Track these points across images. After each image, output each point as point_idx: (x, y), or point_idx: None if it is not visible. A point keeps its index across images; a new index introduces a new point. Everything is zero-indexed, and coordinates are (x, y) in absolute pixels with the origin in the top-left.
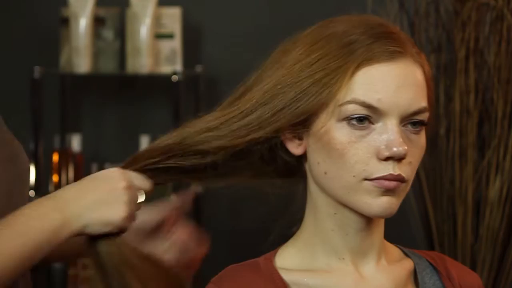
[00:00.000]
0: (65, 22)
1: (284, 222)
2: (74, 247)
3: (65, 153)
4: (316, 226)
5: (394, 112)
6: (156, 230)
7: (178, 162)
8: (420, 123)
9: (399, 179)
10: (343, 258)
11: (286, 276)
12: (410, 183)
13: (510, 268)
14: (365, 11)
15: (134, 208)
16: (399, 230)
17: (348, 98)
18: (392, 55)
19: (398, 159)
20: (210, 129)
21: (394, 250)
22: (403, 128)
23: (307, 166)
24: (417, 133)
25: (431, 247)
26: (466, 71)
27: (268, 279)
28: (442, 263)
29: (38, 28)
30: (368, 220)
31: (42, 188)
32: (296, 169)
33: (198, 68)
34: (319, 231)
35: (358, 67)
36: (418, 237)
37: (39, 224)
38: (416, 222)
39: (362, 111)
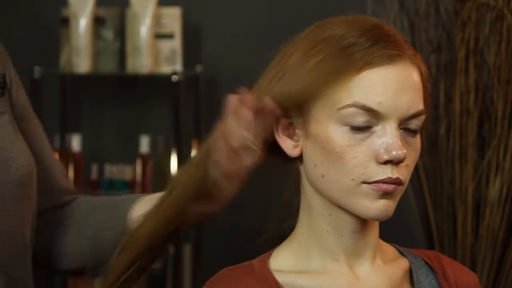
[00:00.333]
0: (65, 22)
1: (278, 222)
2: None
3: (65, 153)
4: (311, 227)
5: (393, 115)
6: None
7: None
8: (416, 130)
9: (397, 182)
10: (338, 259)
11: (280, 278)
12: (406, 185)
13: (510, 268)
14: (365, 11)
15: None
16: (399, 230)
17: (348, 102)
18: (390, 58)
19: (396, 162)
20: None
21: (389, 250)
22: (400, 130)
23: (302, 168)
24: (413, 136)
25: (431, 247)
26: (466, 71)
27: (262, 281)
28: (438, 262)
29: (38, 28)
30: (363, 221)
31: None
32: (289, 166)
33: (198, 68)
34: (313, 232)
35: (358, 70)
36: (418, 237)
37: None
38: (416, 222)
39: (362, 115)
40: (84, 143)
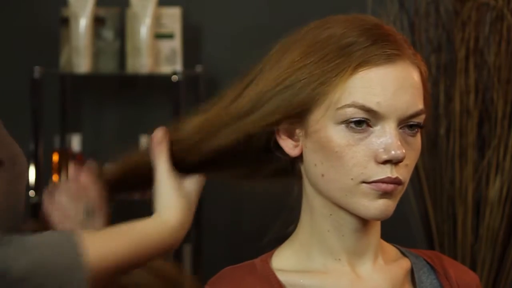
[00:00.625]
0: (65, 22)
1: (281, 223)
2: None
3: (65, 153)
4: (312, 227)
5: (392, 115)
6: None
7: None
8: (417, 125)
9: (396, 182)
10: (339, 259)
11: (282, 277)
12: (406, 185)
13: (510, 268)
14: (365, 11)
15: None
16: (399, 230)
17: (347, 102)
18: (390, 58)
19: (395, 162)
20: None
21: (391, 250)
22: (400, 130)
23: (302, 168)
24: (413, 135)
25: (431, 247)
26: (466, 71)
27: (264, 281)
28: (440, 262)
29: (38, 28)
30: (364, 221)
31: (42, 188)
32: (290, 169)
33: (198, 68)
34: (315, 232)
35: (355, 69)
36: (418, 237)
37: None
38: (416, 222)
39: (361, 115)
40: (84, 143)
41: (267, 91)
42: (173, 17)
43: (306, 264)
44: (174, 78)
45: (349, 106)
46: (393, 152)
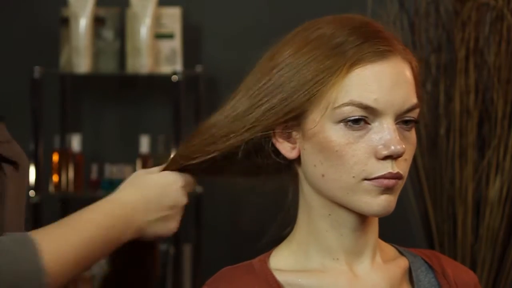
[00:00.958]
0: (65, 22)
1: (279, 223)
2: None
3: (65, 153)
4: (310, 227)
5: (389, 111)
6: None
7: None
8: (412, 120)
9: (397, 176)
10: (338, 258)
11: (280, 277)
12: (405, 179)
13: (510, 268)
14: (365, 11)
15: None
16: (399, 230)
17: (345, 100)
18: (383, 54)
19: (396, 157)
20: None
21: (389, 249)
22: (396, 125)
23: (300, 169)
24: (409, 130)
25: (431, 247)
26: (466, 71)
27: (262, 281)
28: (437, 261)
29: (38, 28)
30: (362, 219)
31: (42, 188)
32: (285, 167)
33: (198, 68)
34: (313, 231)
35: (350, 68)
36: (418, 237)
37: (106, 233)
38: (416, 222)
39: (359, 112)
40: (84, 143)
41: (261, 96)
42: (173, 17)
43: (304, 264)
44: (174, 78)
45: (347, 104)
46: (393, 147)
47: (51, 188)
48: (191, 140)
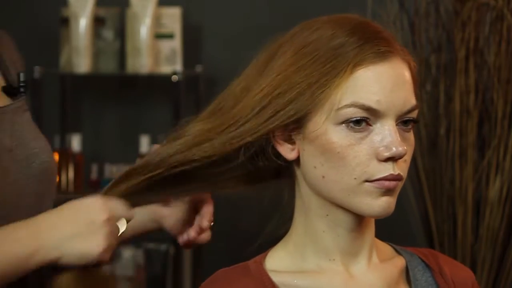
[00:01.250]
0: (65, 22)
1: (276, 224)
2: None
3: (65, 153)
4: (307, 228)
5: (391, 112)
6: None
7: (164, 176)
8: (411, 120)
9: (398, 178)
10: (334, 259)
11: (276, 278)
12: (404, 180)
13: (510, 268)
14: (365, 11)
15: (114, 240)
16: (399, 230)
17: (347, 102)
18: (384, 55)
19: (397, 158)
20: (199, 142)
21: (385, 248)
22: (396, 127)
23: (299, 170)
24: (408, 131)
25: (431, 247)
26: (466, 71)
27: (258, 282)
28: (434, 260)
29: (38, 28)
30: (359, 220)
31: None
32: (283, 170)
33: (198, 68)
34: (310, 232)
35: (353, 69)
36: (418, 237)
37: (10, 248)
38: (416, 222)
39: (361, 114)
40: (84, 143)
41: (261, 99)
42: (173, 17)
43: (300, 265)
44: (174, 78)
45: (349, 106)
46: (394, 149)
47: None
48: (174, 145)
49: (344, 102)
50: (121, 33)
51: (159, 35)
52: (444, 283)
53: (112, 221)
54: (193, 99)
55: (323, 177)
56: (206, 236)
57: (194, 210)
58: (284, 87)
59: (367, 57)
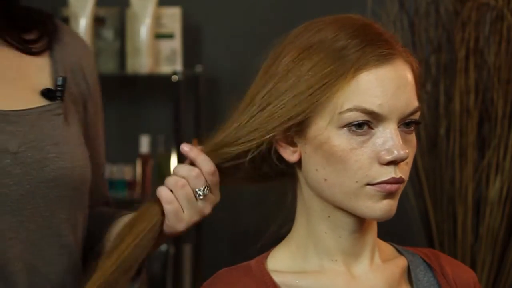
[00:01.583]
0: (65, 22)
1: (277, 224)
2: None
3: None
4: (309, 229)
5: (393, 116)
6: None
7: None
8: (414, 122)
9: (400, 181)
10: (336, 260)
11: (277, 278)
12: (405, 183)
13: (510, 268)
14: (365, 11)
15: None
16: (399, 230)
17: (349, 106)
18: (386, 58)
19: (398, 162)
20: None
21: (387, 248)
22: (398, 129)
23: (301, 173)
24: (410, 133)
25: (431, 247)
26: (466, 71)
27: (260, 282)
28: (436, 260)
29: None
30: (361, 222)
31: None
32: (286, 171)
33: (198, 68)
34: (311, 233)
35: (355, 72)
36: (418, 237)
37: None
38: (416, 222)
39: (362, 117)
40: None
41: (266, 103)
42: (173, 17)
43: (302, 265)
44: (174, 78)
45: (351, 110)
46: (396, 152)
47: None
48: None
49: (346, 106)
50: (121, 33)
51: (159, 35)
52: (446, 283)
53: None
54: (193, 99)
55: (325, 180)
56: None
57: None
58: (286, 91)
59: (369, 60)
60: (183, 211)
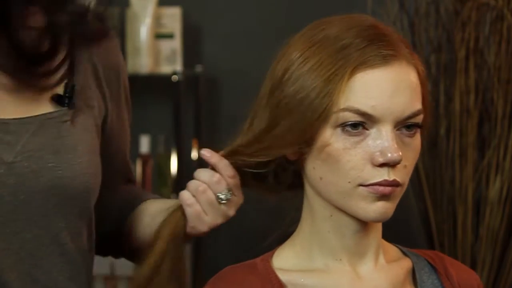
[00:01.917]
0: None
1: (283, 223)
2: None
3: None
4: (313, 228)
5: (388, 118)
6: None
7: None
8: (415, 125)
9: (394, 184)
10: (340, 259)
11: (283, 277)
12: (405, 186)
13: (510, 268)
14: (365, 11)
15: None
16: (399, 230)
17: (343, 106)
18: (385, 59)
19: (392, 164)
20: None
21: (392, 250)
22: (397, 132)
23: (303, 171)
24: (411, 136)
25: (431, 247)
26: (466, 71)
27: (265, 280)
28: (441, 262)
29: None
30: (364, 222)
31: None
32: (298, 180)
33: (198, 68)
34: (316, 233)
35: (352, 72)
36: (418, 237)
37: None
38: (416, 222)
39: (356, 118)
40: None
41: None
42: (173, 17)
43: (307, 264)
44: (174, 78)
45: (345, 110)
46: (389, 155)
47: None
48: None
49: (341, 106)
50: (121, 33)
51: (159, 35)
52: (450, 286)
53: None
54: (193, 99)
55: (321, 178)
56: None
57: None
58: (292, 103)
59: (368, 60)
60: (206, 214)
